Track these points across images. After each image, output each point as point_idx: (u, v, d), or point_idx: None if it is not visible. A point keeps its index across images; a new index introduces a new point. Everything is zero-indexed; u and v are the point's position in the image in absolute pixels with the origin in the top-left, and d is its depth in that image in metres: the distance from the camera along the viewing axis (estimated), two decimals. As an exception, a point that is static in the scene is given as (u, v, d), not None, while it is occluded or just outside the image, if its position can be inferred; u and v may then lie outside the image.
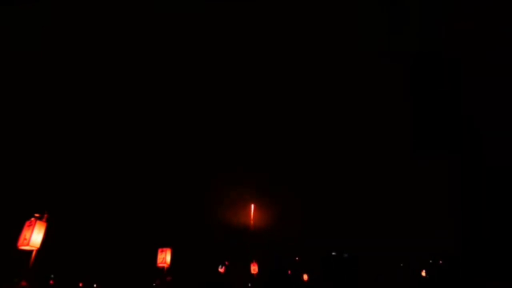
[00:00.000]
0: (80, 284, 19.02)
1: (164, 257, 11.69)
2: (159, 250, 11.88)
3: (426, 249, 23.45)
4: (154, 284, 13.55)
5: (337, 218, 25.05)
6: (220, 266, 19.47)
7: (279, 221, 23.14)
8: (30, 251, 6.72)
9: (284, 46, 16.71)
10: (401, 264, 26.57)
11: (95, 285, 19.78)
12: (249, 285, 18.30)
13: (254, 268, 17.79)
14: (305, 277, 25.53)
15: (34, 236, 6.64)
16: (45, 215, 6.98)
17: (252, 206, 21.36)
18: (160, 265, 11.67)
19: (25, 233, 6.68)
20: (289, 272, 24.69)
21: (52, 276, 18.34)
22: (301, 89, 19.22)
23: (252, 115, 19.90)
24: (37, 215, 6.87)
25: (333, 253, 28.90)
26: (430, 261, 23.71)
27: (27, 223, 6.78)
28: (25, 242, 6.61)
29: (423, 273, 23.59)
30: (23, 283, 6.24)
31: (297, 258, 27.59)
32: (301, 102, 20.08)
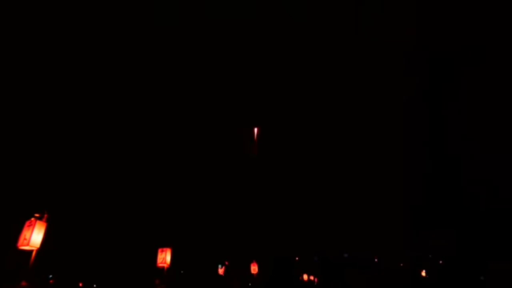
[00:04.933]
0: (80, 284, 19.00)
1: (164, 257, 11.70)
2: (159, 250, 11.88)
3: (426, 249, 23.47)
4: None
5: (336, 217, 25.04)
6: (220, 266, 19.48)
7: (279, 220, 23.17)
8: (30, 251, 6.72)
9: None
10: (401, 264, 26.61)
11: (95, 285, 19.76)
12: (249, 285, 18.31)
13: (254, 268, 17.80)
14: (305, 277, 25.61)
15: (34, 236, 6.64)
16: (45, 215, 6.98)
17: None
18: (160, 265, 11.68)
19: (25, 233, 6.68)
20: (290, 272, 24.72)
21: (51, 276, 18.33)
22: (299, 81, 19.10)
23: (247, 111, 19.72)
24: (37, 215, 6.87)
25: (333, 253, 28.94)
26: (430, 260, 23.72)
27: (27, 223, 6.78)
28: (25, 242, 6.60)
29: (423, 273, 23.62)
30: (23, 283, 6.24)
31: (297, 258, 27.65)
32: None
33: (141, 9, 15.15)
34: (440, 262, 21.18)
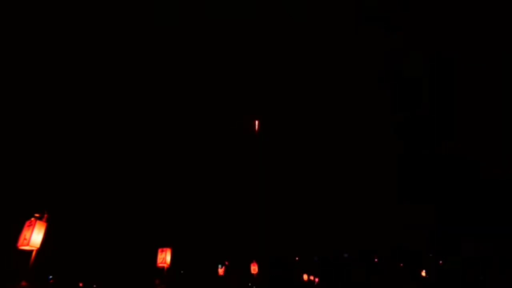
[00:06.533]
0: (80, 284, 19.01)
1: (164, 257, 11.70)
2: (159, 250, 11.89)
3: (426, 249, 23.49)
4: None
5: (336, 217, 25.03)
6: (220, 266, 19.49)
7: (279, 220, 23.18)
8: (30, 251, 6.72)
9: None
10: (401, 264, 26.63)
11: (94, 286, 19.76)
12: (249, 285, 18.33)
13: (254, 268, 17.80)
14: (305, 277, 25.60)
15: (34, 236, 6.63)
16: (45, 215, 6.98)
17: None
18: (160, 265, 11.68)
19: (25, 233, 6.68)
20: (291, 272, 24.74)
21: (51, 276, 18.33)
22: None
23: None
24: (37, 215, 6.86)
25: (333, 253, 28.93)
26: (430, 260, 23.74)
27: (27, 223, 6.78)
28: (25, 242, 6.60)
29: (423, 273, 23.63)
30: (23, 283, 6.24)
31: (297, 258, 27.67)
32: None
33: (141, 9, 15.15)
34: (440, 262, 21.18)
